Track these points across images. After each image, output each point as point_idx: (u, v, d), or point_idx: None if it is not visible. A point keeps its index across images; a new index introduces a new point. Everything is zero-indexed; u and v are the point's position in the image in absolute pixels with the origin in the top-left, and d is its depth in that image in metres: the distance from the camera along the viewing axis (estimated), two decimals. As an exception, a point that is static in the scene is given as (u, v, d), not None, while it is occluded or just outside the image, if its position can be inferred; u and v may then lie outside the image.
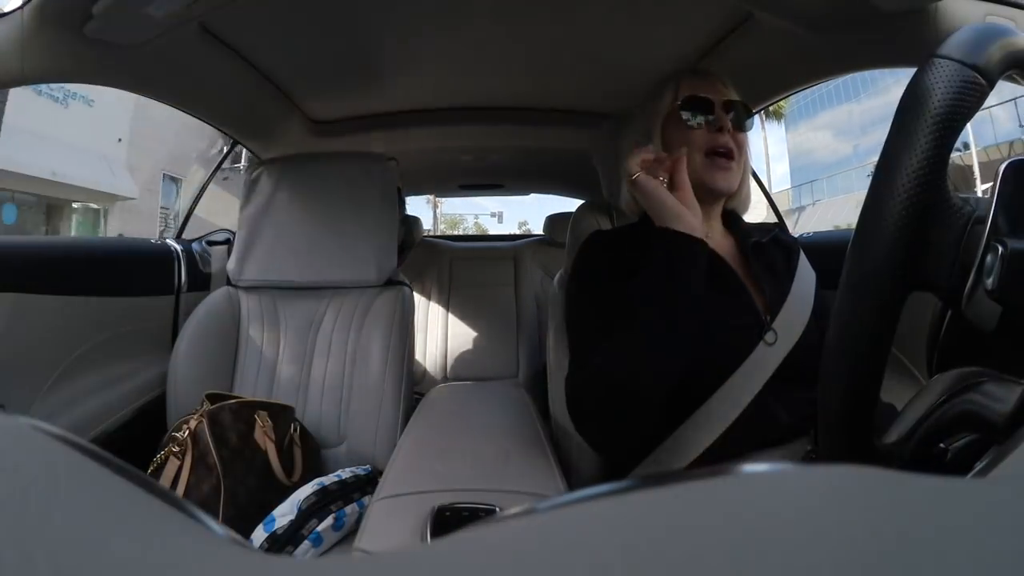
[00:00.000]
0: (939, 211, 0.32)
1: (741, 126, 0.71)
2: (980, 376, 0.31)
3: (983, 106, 0.31)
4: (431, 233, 2.42)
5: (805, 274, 0.72)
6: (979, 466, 0.24)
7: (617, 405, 0.60)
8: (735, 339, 0.64)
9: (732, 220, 0.77)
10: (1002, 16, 0.64)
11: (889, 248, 0.30)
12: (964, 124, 0.30)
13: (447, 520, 0.55)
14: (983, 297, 0.31)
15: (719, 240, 0.75)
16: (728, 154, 0.69)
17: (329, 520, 0.75)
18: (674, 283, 0.59)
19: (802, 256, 0.75)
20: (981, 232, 0.31)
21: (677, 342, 0.59)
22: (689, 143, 0.70)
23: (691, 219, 0.62)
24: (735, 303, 0.66)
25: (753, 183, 0.83)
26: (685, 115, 0.70)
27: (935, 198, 0.31)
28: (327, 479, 0.80)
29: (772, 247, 0.75)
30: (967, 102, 0.30)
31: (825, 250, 0.90)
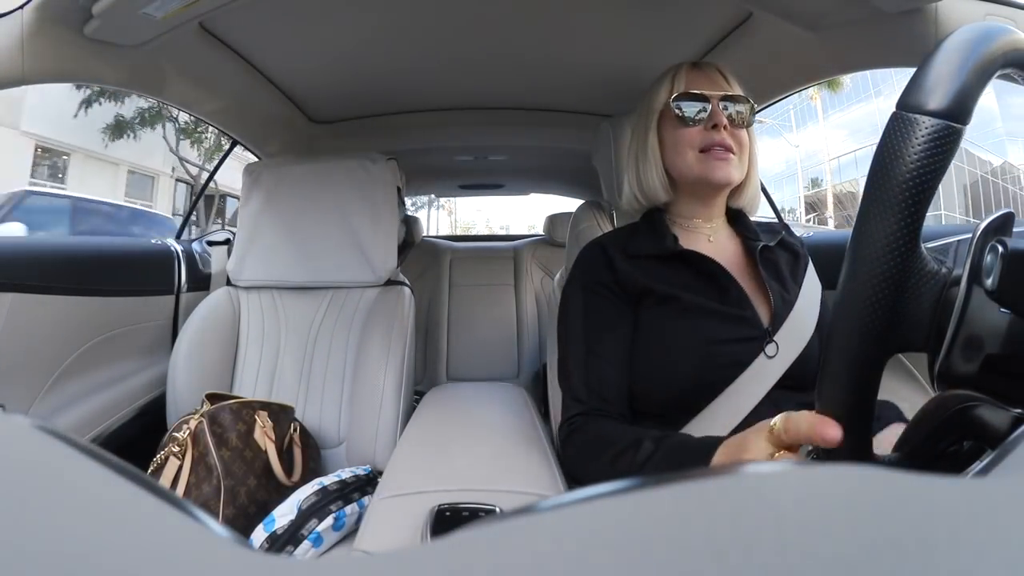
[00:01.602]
0: (914, 281, 0.32)
1: (741, 122, 0.68)
2: (973, 401, 0.32)
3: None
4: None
5: (812, 284, 0.70)
6: (979, 466, 0.24)
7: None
8: (735, 353, 0.62)
9: (738, 219, 0.74)
10: (1001, 16, 0.64)
11: (866, 324, 0.31)
12: (940, 179, 0.29)
13: (447, 520, 0.55)
14: (955, 360, 0.31)
15: (724, 241, 0.73)
16: (726, 148, 0.66)
17: (329, 520, 0.75)
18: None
19: (811, 265, 0.72)
20: (955, 295, 0.32)
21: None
22: (684, 141, 0.67)
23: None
24: (736, 316, 0.64)
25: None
26: (678, 111, 0.67)
27: (908, 270, 0.31)
28: (327, 479, 0.80)
29: (779, 251, 0.72)
30: (938, 158, 0.28)
31: (826, 251, 0.90)
